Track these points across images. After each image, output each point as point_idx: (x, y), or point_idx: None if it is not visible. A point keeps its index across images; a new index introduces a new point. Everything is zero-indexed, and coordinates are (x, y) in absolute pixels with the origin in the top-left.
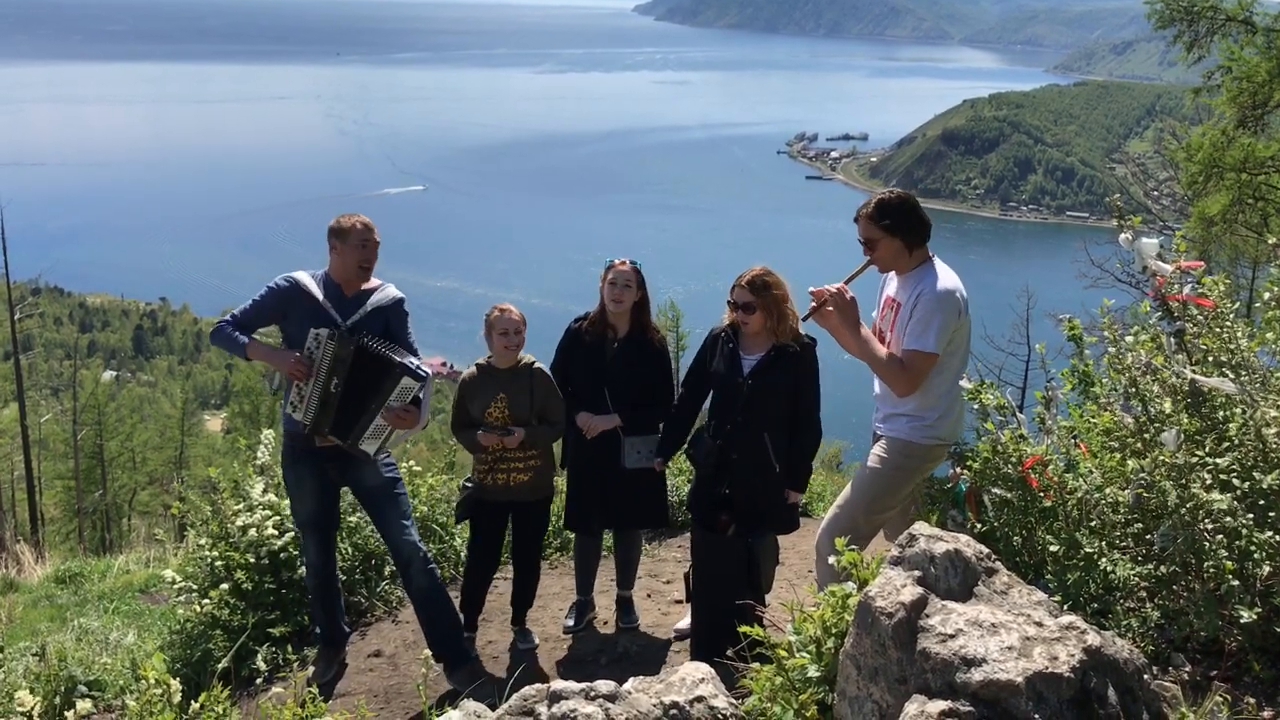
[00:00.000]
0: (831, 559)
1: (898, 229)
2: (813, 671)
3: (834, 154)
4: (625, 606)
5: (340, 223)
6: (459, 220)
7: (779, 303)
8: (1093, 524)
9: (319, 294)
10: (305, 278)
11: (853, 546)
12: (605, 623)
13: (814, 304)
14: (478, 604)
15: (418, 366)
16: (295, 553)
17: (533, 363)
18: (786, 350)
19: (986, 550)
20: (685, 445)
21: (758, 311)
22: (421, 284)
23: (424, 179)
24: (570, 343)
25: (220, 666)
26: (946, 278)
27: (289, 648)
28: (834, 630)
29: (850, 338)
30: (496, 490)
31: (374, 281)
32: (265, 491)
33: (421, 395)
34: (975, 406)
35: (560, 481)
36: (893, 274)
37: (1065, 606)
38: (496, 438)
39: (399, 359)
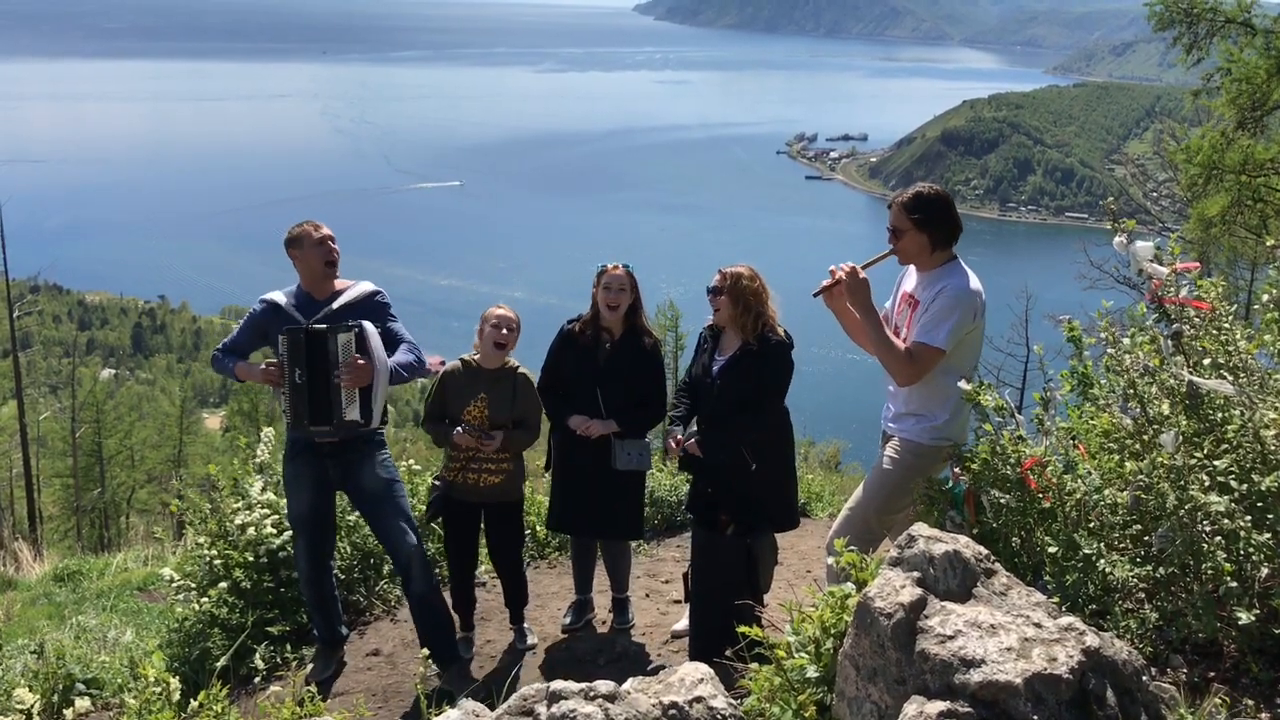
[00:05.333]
0: (830, 559)
1: (927, 224)
2: (811, 672)
3: (833, 154)
4: (620, 608)
5: (291, 233)
6: (458, 219)
7: (747, 297)
8: (1091, 525)
9: (286, 305)
10: (276, 295)
11: (853, 547)
12: (604, 622)
13: (827, 282)
14: (467, 603)
15: (347, 322)
16: (293, 551)
17: (516, 366)
18: (751, 349)
19: (985, 551)
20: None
21: (724, 296)
22: (422, 282)
23: (423, 177)
24: (563, 344)
25: (219, 665)
26: (971, 279)
27: (287, 646)
28: (833, 631)
29: (860, 319)
30: (466, 490)
31: (346, 281)
32: (264, 490)
33: (369, 346)
34: (974, 408)
35: (541, 483)
36: (912, 269)
37: (1064, 608)
38: (473, 438)
39: (328, 325)
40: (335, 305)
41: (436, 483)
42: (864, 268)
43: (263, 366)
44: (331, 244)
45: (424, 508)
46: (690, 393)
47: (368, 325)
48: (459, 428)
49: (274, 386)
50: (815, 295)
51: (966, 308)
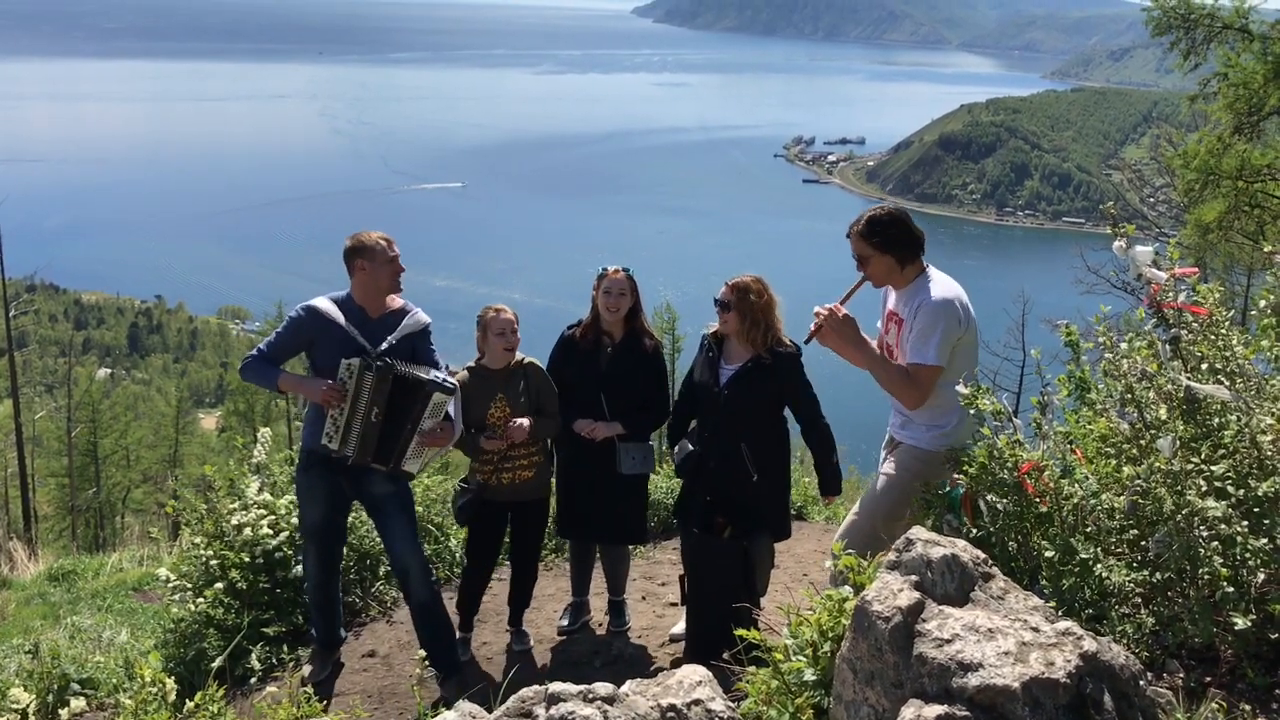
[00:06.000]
0: (828, 562)
1: (889, 245)
2: (809, 675)
3: (831, 158)
4: (617, 610)
5: (360, 242)
6: (457, 220)
7: (756, 310)
8: (1088, 530)
9: (343, 321)
10: (325, 305)
11: (850, 550)
12: (600, 624)
13: (813, 327)
14: (474, 605)
15: (444, 380)
16: (290, 552)
17: (523, 359)
18: (762, 361)
19: (983, 555)
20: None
21: (732, 312)
22: (420, 283)
23: (419, 178)
24: (565, 350)
25: (215, 666)
26: (944, 288)
27: (284, 647)
28: (830, 634)
29: (854, 354)
30: (501, 490)
31: (397, 301)
32: (260, 490)
33: (451, 409)
34: (972, 412)
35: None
36: (891, 288)
37: (1061, 612)
38: (499, 441)
39: (427, 377)
40: (398, 334)
41: (464, 486)
42: (842, 303)
43: (324, 387)
44: (398, 260)
45: (420, 509)
46: (690, 398)
47: (455, 386)
48: (484, 434)
49: (323, 406)
50: (806, 343)
51: (949, 318)
